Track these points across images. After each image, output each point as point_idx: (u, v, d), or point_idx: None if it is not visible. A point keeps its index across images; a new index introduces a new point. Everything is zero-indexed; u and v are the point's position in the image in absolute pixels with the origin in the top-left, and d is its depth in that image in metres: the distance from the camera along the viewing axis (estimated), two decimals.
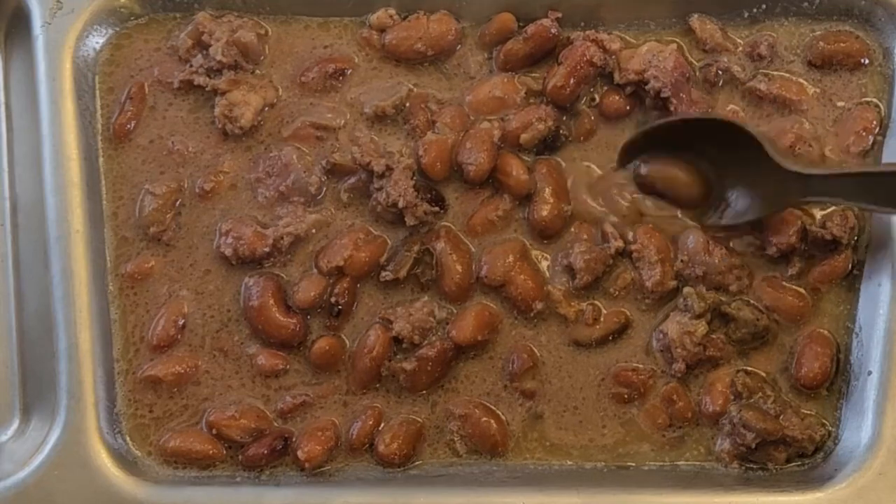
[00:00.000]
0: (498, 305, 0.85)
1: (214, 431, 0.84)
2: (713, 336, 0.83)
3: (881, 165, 0.83)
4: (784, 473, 0.83)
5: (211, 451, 0.84)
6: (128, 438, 0.84)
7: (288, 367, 0.85)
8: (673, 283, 0.84)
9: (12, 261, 0.86)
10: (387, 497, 0.82)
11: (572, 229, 0.85)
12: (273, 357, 0.84)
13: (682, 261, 0.84)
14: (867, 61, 0.86)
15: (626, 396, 0.84)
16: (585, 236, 0.85)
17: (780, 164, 0.78)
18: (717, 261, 0.83)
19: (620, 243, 0.84)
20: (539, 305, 0.84)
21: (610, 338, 0.85)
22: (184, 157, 0.86)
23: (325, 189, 0.86)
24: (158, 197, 0.85)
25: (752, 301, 0.84)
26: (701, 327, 0.82)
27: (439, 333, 0.84)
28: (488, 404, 0.85)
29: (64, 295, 0.83)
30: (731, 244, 0.84)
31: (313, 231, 0.85)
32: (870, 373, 0.82)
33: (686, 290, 0.83)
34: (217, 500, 0.82)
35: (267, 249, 0.84)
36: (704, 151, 0.83)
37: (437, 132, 0.84)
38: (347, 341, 0.85)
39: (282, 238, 0.84)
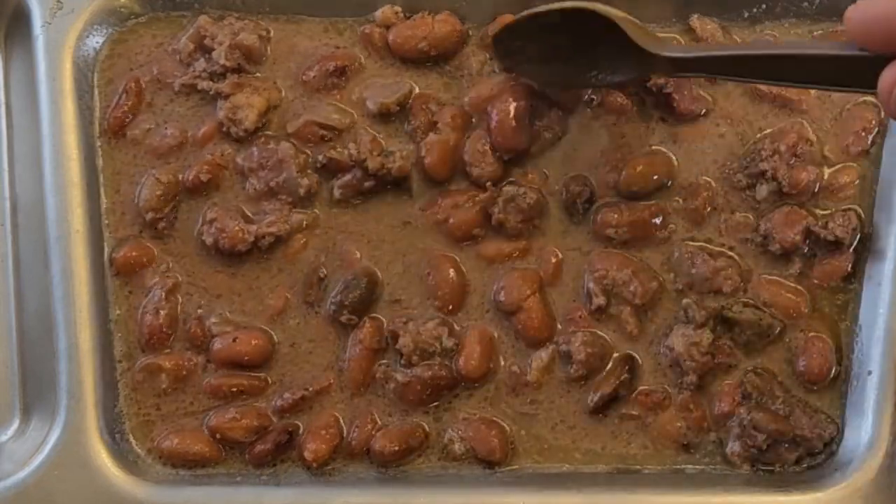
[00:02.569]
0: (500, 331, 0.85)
1: (218, 436, 0.83)
2: (720, 343, 0.82)
3: (740, 46, 0.81)
4: (784, 474, 0.83)
5: (207, 453, 0.84)
6: (130, 437, 0.84)
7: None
8: (655, 285, 0.84)
9: (12, 261, 0.86)
10: (387, 497, 0.82)
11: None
12: None
13: (664, 278, 0.84)
14: None
15: (640, 416, 0.84)
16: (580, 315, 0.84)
17: (645, 49, 0.75)
18: (699, 269, 0.83)
19: (602, 300, 0.83)
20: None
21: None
22: (182, 147, 0.86)
23: (314, 192, 0.85)
24: (162, 184, 0.84)
25: (751, 300, 0.84)
26: (706, 336, 0.81)
27: (439, 360, 0.83)
28: (493, 417, 0.85)
29: (64, 295, 0.83)
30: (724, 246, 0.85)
31: (297, 234, 0.85)
32: (870, 373, 0.82)
33: (684, 301, 0.83)
34: (217, 500, 0.82)
35: (247, 247, 0.84)
36: (572, 43, 0.80)
37: (438, 132, 0.84)
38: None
39: (263, 237, 0.84)
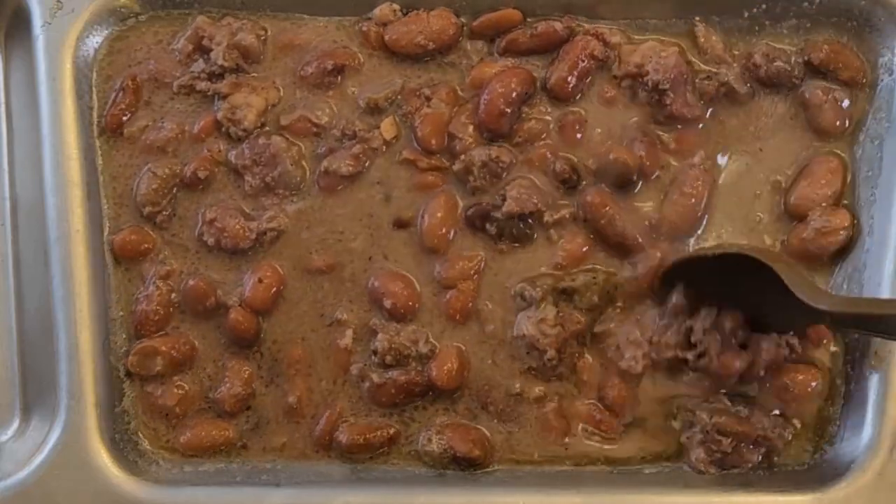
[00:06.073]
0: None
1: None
2: (564, 314, 0.83)
3: None
4: (784, 473, 0.83)
5: (225, 434, 0.85)
6: (140, 435, 0.85)
7: None
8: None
9: (12, 261, 0.86)
10: (387, 497, 0.82)
11: None
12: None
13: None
14: (864, 80, 0.85)
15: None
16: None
17: (804, 302, 0.73)
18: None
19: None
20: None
21: None
22: (179, 140, 0.86)
23: (312, 180, 0.86)
24: (158, 178, 0.85)
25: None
26: (550, 311, 0.82)
27: (415, 366, 0.84)
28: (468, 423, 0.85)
29: (64, 295, 0.83)
30: None
31: (296, 223, 0.86)
32: (870, 373, 0.82)
33: (518, 286, 0.84)
34: (217, 500, 0.82)
35: (249, 244, 0.84)
36: (728, 283, 0.80)
37: (431, 107, 0.85)
38: None
39: (265, 233, 0.84)
